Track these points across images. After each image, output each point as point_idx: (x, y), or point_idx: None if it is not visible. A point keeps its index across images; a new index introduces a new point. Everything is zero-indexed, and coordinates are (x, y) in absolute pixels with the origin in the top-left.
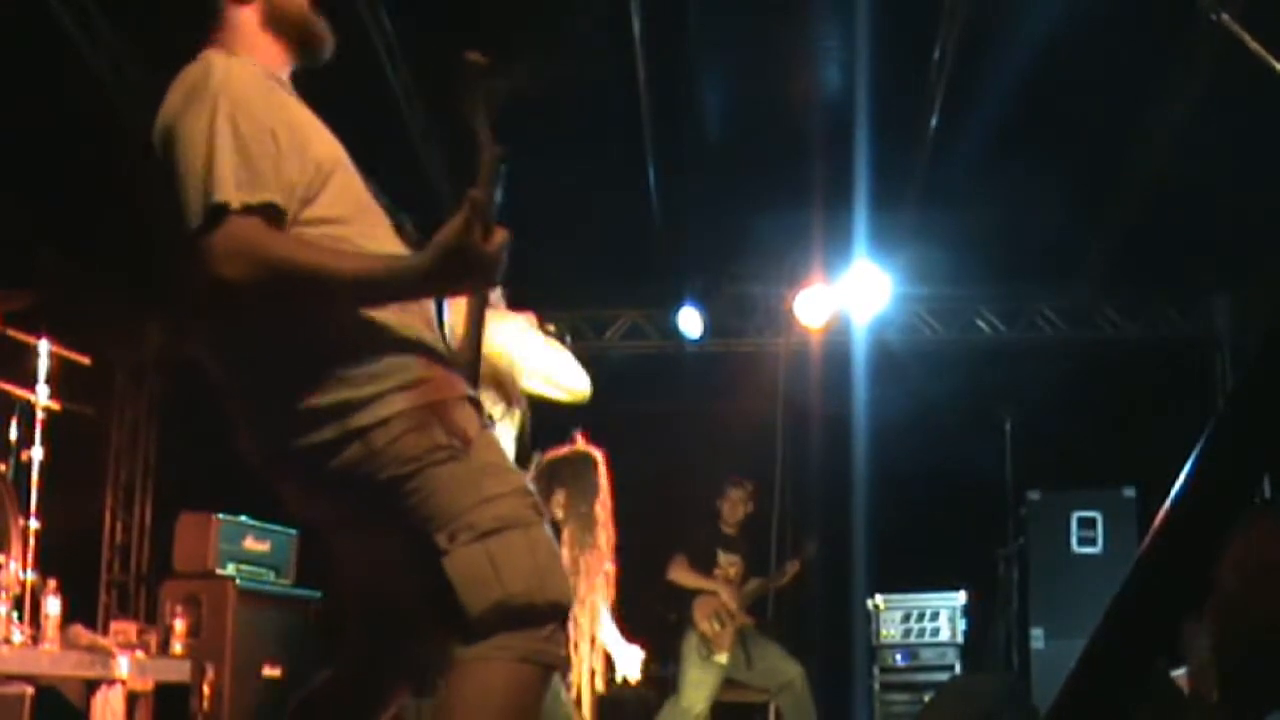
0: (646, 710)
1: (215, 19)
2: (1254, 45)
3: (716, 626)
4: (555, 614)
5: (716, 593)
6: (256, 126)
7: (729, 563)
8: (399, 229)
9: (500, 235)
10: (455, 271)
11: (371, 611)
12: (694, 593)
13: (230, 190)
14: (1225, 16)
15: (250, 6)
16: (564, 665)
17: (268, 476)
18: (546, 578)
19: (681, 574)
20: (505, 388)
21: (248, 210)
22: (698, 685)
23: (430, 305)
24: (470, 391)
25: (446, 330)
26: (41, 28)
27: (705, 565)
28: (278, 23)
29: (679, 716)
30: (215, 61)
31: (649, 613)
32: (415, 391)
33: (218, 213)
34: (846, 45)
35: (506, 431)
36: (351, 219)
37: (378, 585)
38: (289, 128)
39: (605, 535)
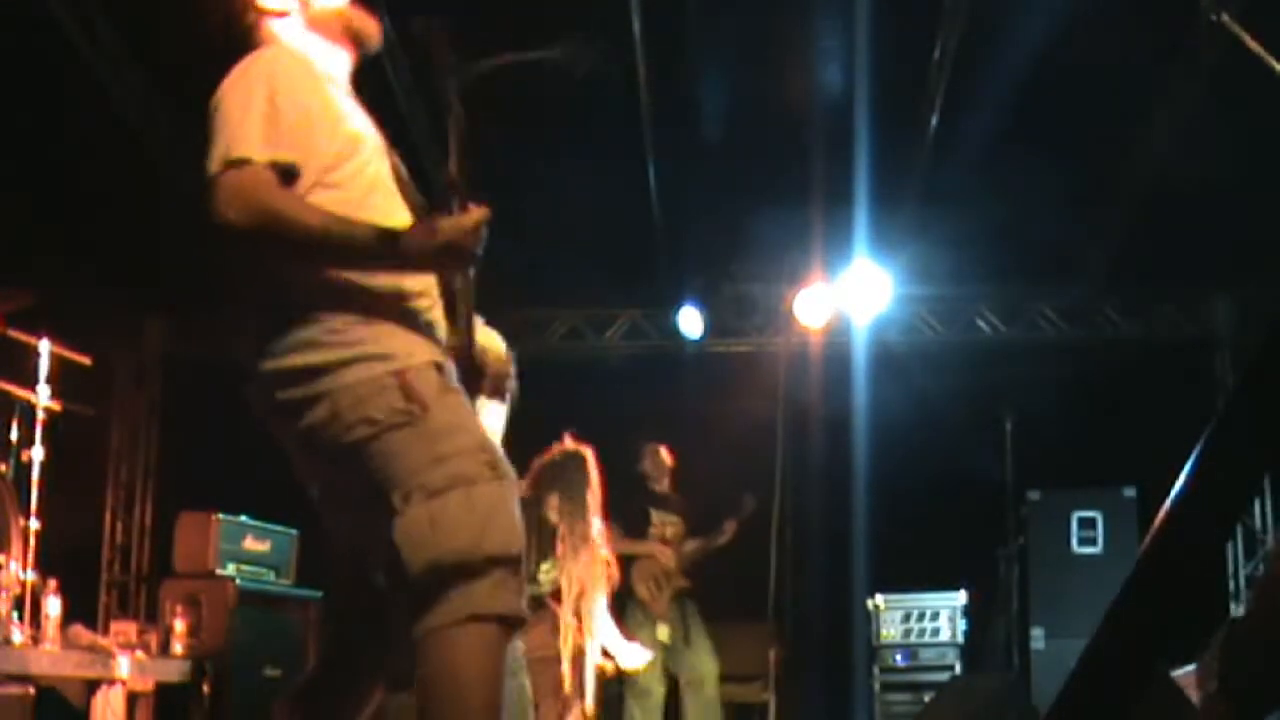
0: None
1: (255, 35)
2: (1254, 45)
3: (654, 588)
4: (496, 565)
5: (653, 556)
6: (291, 99)
7: (665, 522)
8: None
9: (476, 213)
10: (436, 252)
11: (351, 593)
12: (631, 559)
13: (252, 147)
14: (1225, 17)
15: (289, 17)
16: (518, 616)
17: (266, 429)
18: (486, 530)
19: (615, 544)
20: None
21: (256, 165)
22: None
23: (431, 278)
24: (437, 356)
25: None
26: (41, 28)
27: (640, 528)
28: (320, 26)
29: (641, 699)
30: (265, 50)
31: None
32: (379, 361)
33: (233, 164)
34: (846, 45)
35: (497, 411)
36: (369, 191)
37: (357, 564)
38: (324, 104)
39: (598, 525)
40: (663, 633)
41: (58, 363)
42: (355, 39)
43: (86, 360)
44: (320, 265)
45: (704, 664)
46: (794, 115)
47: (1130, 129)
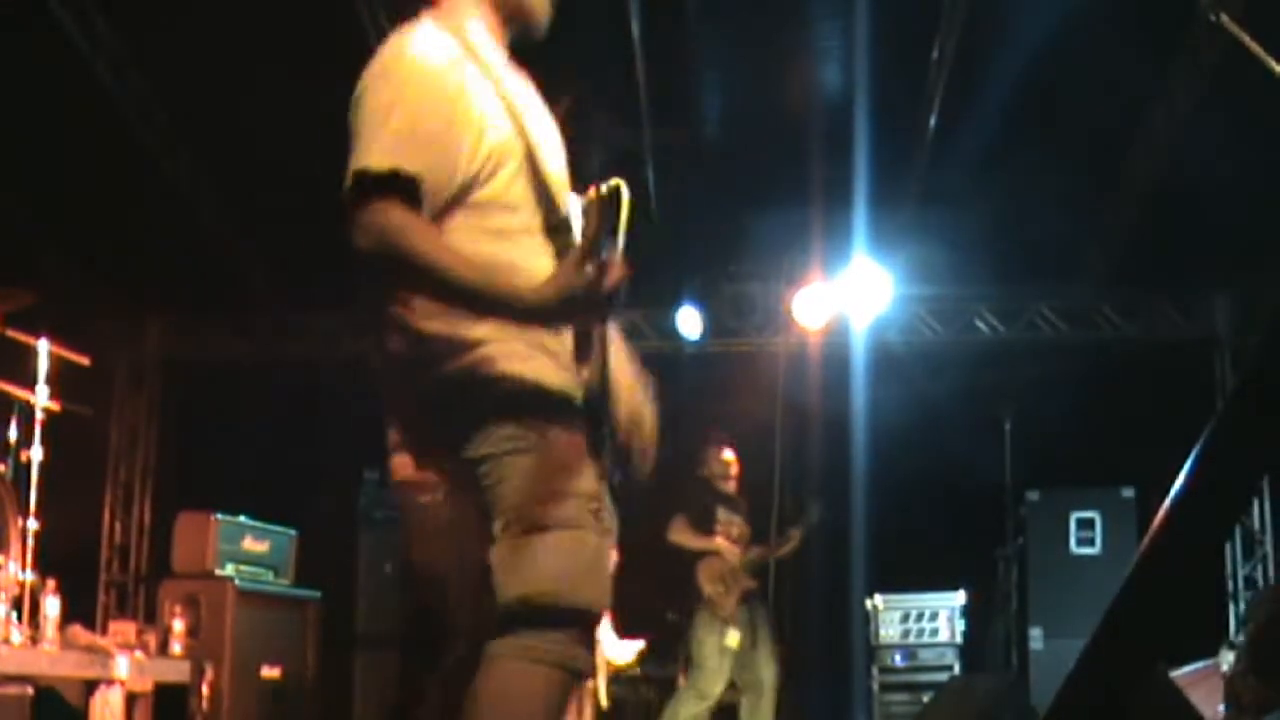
0: (647, 710)
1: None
2: (1254, 45)
3: (721, 589)
4: (580, 620)
5: (719, 553)
6: (433, 110)
7: (732, 522)
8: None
9: (615, 274)
10: (564, 310)
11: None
12: (698, 555)
13: (384, 159)
14: (1225, 16)
15: None
16: (584, 672)
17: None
18: (581, 583)
19: (683, 535)
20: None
21: (397, 183)
22: (714, 672)
23: None
24: (569, 388)
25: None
26: (41, 28)
27: (706, 525)
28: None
29: (695, 702)
30: (411, 39)
31: (647, 612)
32: (512, 381)
33: (366, 182)
34: (846, 45)
35: None
36: (516, 208)
37: (445, 550)
38: (467, 112)
39: None
40: (732, 639)
41: (57, 363)
42: (519, 19)
43: (86, 360)
44: (444, 302)
45: (765, 671)
46: (794, 115)
47: (1130, 129)
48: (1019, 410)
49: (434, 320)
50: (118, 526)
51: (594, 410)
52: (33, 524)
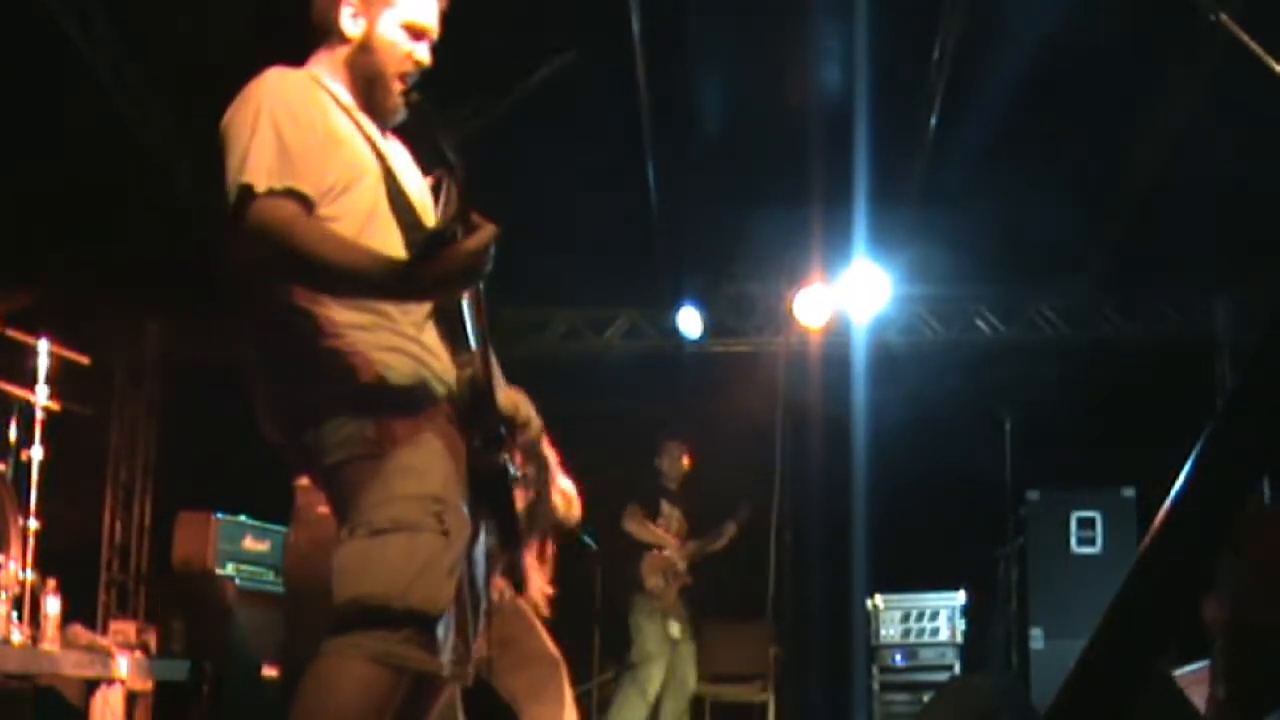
0: None
1: (325, 38)
2: (1254, 45)
3: (663, 582)
4: (414, 620)
5: (665, 548)
6: (295, 124)
7: (672, 515)
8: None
9: (484, 233)
10: (442, 274)
11: None
12: (645, 547)
13: (262, 176)
14: (1225, 16)
15: (344, 45)
16: (423, 673)
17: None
18: (415, 584)
19: (636, 525)
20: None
21: (276, 194)
22: (657, 662)
23: (422, 310)
24: (423, 387)
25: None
26: (41, 28)
27: (651, 515)
28: (353, 70)
29: (638, 701)
30: (268, 73)
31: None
32: (362, 387)
33: (248, 195)
34: (846, 45)
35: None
36: (365, 222)
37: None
38: (326, 130)
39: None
40: (674, 629)
41: (57, 362)
42: (370, 102)
43: (86, 360)
44: (332, 292)
45: (689, 671)
46: (794, 115)
47: (1130, 129)
48: (1019, 410)
49: (303, 299)
50: (118, 526)
51: (475, 399)
52: (33, 523)
